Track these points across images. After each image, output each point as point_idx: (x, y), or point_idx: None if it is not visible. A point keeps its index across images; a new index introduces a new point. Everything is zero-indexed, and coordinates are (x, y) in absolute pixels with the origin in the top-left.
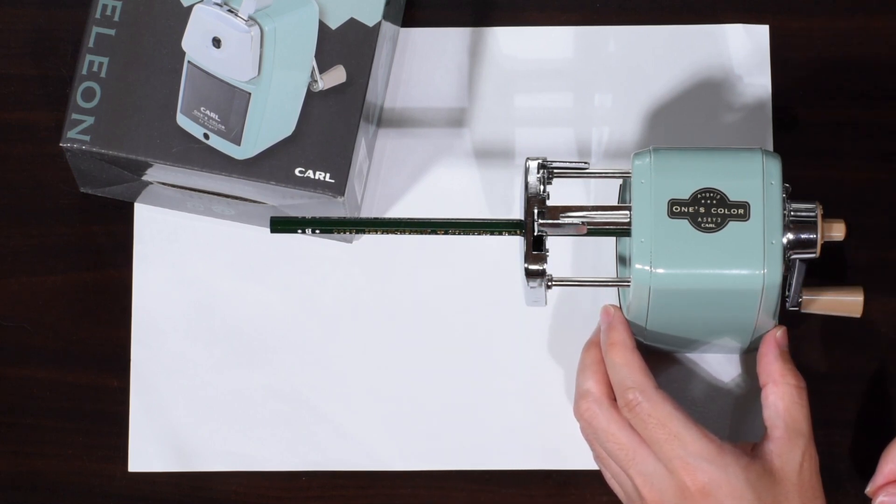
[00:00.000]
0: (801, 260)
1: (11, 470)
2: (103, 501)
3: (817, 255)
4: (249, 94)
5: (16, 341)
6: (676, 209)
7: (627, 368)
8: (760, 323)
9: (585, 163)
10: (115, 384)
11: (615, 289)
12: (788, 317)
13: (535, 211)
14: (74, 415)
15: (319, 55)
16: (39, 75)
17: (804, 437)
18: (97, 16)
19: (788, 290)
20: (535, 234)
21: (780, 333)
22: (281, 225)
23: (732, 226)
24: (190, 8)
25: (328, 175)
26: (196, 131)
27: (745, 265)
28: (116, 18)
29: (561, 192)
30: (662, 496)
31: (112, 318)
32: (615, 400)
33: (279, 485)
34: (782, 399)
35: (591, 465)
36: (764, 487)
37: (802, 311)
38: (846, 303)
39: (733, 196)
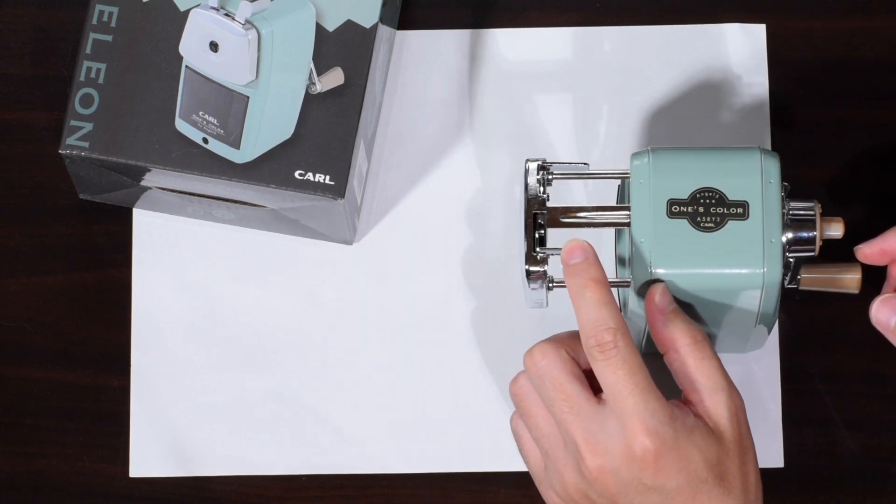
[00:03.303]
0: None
1: (11, 470)
2: (103, 502)
3: (816, 253)
4: (248, 97)
5: (16, 341)
6: (675, 209)
7: (607, 308)
8: (761, 321)
9: (585, 163)
10: (115, 384)
11: (615, 289)
12: (787, 306)
13: (535, 212)
14: (74, 415)
15: (317, 58)
16: (39, 75)
17: (723, 390)
18: (94, 22)
19: (786, 278)
20: (535, 235)
21: (658, 297)
22: None
23: (731, 225)
24: (187, 12)
25: (328, 177)
26: (195, 136)
27: (744, 264)
28: (113, 24)
29: (560, 193)
30: (607, 456)
31: (112, 319)
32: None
33: (278, 486)
34: (685, 363)
35: None
36: (707, 448)
37: (801, 287)
38: (844, 280)
39: (732, 195)
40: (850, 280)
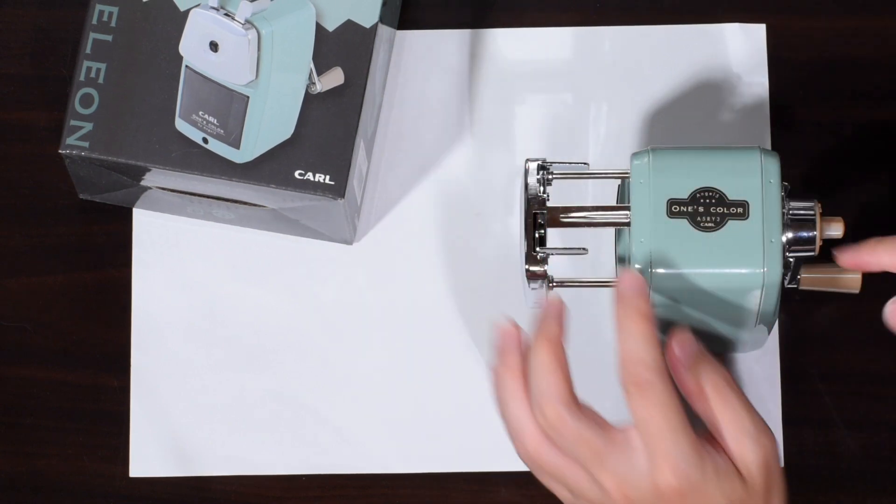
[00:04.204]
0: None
1: (11, 470)
2: (103, 502)
3: (816, 253)
4: (248, 97)
5: (16, 341)
6: (675, 209)
7: (650, 344)
8: (761, 321)
9: (585, 163)
10: (115, 384)
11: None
12: (787, 306)
13: (535, 212)
14: (74, 415)
15: (317, 57)
16: (39, 75)
17: (750, 436)
18: (94, 22)
19: (786, 278)
20: (535, 235)
21: (676, 349)
22: None
23: (732, 225)
24: (187, 12)
25: (328, 177)
26: (195, 136)
27: (744, 264)
28: (113, 24)
29: (559, 192)
30: (636, 492)
31: (112, 319)
32: (575, 398)
33: (278, 486)
34: (710, 410)
35: None
36: (733, 491)
37: (801, 287)
38: (845, 280)
39: (732, 195)
40: (850, 280)
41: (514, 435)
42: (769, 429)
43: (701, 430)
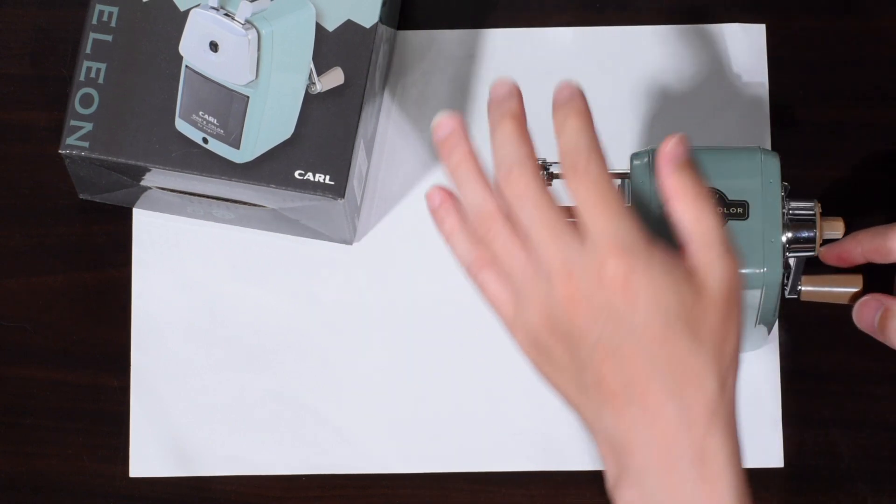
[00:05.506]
0: (800, 258)
1: (11, 470)
2: (103, 502)
3: (816, 253)
4: (248, 97)
5: (16, 341)
6: None
7: (585, 132)
8: (761, 321)
9: None
10: (115, 384)
11: None
12: (787, 306)
13: None
14: (74, 415)
15: (317, 57)
16: (39, 75)
17: (719, 246)
18: (94, 22)
19: (787, 281)
20: None
21: (671, 145)
22: None
23: (731, 225)
24: (187, 12)
25: (328, 177)
26: (195, 136)
27: (744, 264)
28: (113, 24)
29: (559, 192)
30: (579, 282)
31: (112, 319)
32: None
33: (278, 486)
34: (685, 214)
35: (591, 465)
36: (687, 294)
37: (802, 299)
38: (846, 294)
39: (732, 195)
40: (852, 294)
41: (473, 213)
42: (737, 260)
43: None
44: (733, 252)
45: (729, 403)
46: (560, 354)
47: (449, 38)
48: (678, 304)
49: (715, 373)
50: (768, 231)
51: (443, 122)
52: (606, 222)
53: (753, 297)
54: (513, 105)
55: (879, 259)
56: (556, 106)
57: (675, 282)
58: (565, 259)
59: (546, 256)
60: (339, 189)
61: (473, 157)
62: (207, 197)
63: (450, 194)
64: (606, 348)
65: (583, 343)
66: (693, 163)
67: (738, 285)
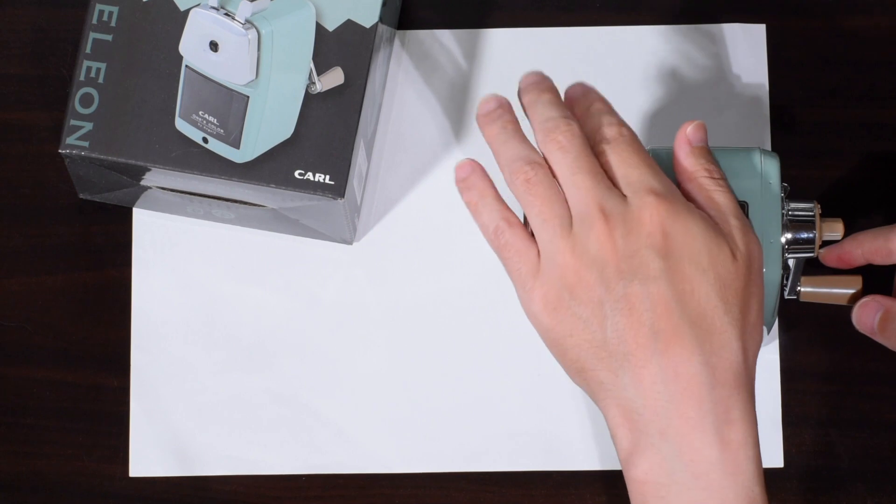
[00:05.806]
0: (800, 259)
1: (11, 470)
2: (103, 502)
3: (815, 254)
4: (248, 97)
5: (16, 341)
6: None
7: (606, 103)
8: None
9: None
10: (115, 384)
11: None
12: (787, 306)
13: None
14: (74, 415)
15: (317, 57)
16: (39, 75)
17: (738, 219)
18: (94, 21)
19: (786, 282)
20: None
21: (690, 129)
22: None
23: None
24: (187, 12)
25: (328, 177)
26: (195, 135)
27: None
28: (113, 24)
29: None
30: (617, 223)
31: (112, 319)
32: None
33: (278, 486)
34: (701, 192)
35: (591, 465)
36: (718, 251)
37: (801, 300)
38: (845, 295)
39: None
40: (851, 295)
41: (517, 162)
42: (756, 235)
43: None
44: (753, 233)
45: (751, 373)
46: (584, 302)
47: (449, 38)
48: (710, 258)
49: (738, 337)
50: (768, 232)
51: (489, 99)
52: (644, 173)
53: None
54: (549, 83)
55: (880, 260)
56: (586, 90)
57: (712, 236)
58: (606, 201)
59: (588, 199)
60: (339, 189)
61: (517, 122)
62: (207, 197)
63: (478, 164)
64: (637, 293)
65: (613, 286)
66: (707, 148)
67: (759, 257)
